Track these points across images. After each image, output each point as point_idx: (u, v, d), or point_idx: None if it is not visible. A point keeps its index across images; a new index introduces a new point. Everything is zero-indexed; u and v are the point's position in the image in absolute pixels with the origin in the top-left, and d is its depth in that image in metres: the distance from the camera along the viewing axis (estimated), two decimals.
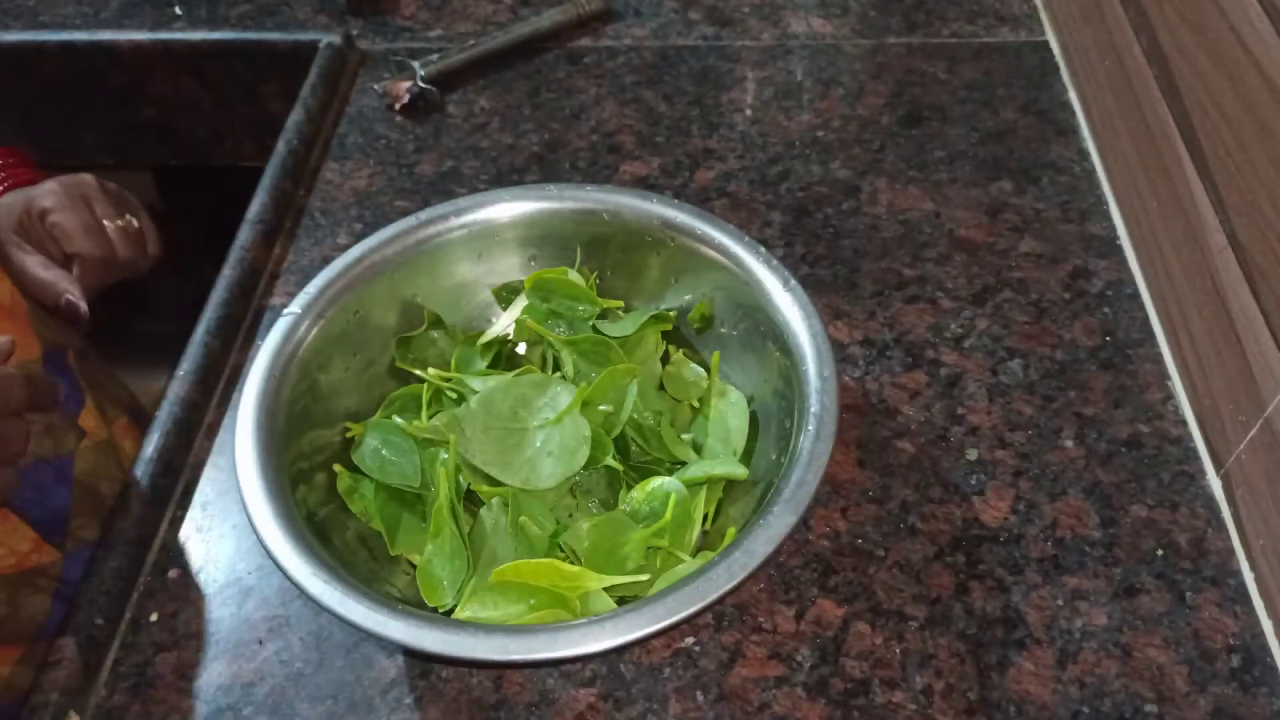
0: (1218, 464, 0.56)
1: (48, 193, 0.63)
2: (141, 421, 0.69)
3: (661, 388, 0.57)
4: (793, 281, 0.52)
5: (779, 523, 0.43)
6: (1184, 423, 0.59)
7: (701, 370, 0.56)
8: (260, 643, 0.51)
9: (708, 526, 0.51)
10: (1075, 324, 0.64)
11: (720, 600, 0.41)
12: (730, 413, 0.54)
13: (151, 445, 0.58)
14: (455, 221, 0.57)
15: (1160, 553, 0.53)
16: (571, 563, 0.47)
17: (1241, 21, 0.53)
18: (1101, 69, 0.74)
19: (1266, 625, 0.50)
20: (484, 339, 0.58)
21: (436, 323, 0.57)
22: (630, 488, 0.51)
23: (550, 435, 0.50)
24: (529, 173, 0.77)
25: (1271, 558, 0.50)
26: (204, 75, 0.91)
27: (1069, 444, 0.58)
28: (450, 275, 0.58)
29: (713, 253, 0.55)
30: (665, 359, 0.58)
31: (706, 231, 0.55)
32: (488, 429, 0.50)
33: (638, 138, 0.79)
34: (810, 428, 0.46)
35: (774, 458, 0.50)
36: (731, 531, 0.47)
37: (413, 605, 0.44)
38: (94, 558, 0.54)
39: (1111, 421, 0.59)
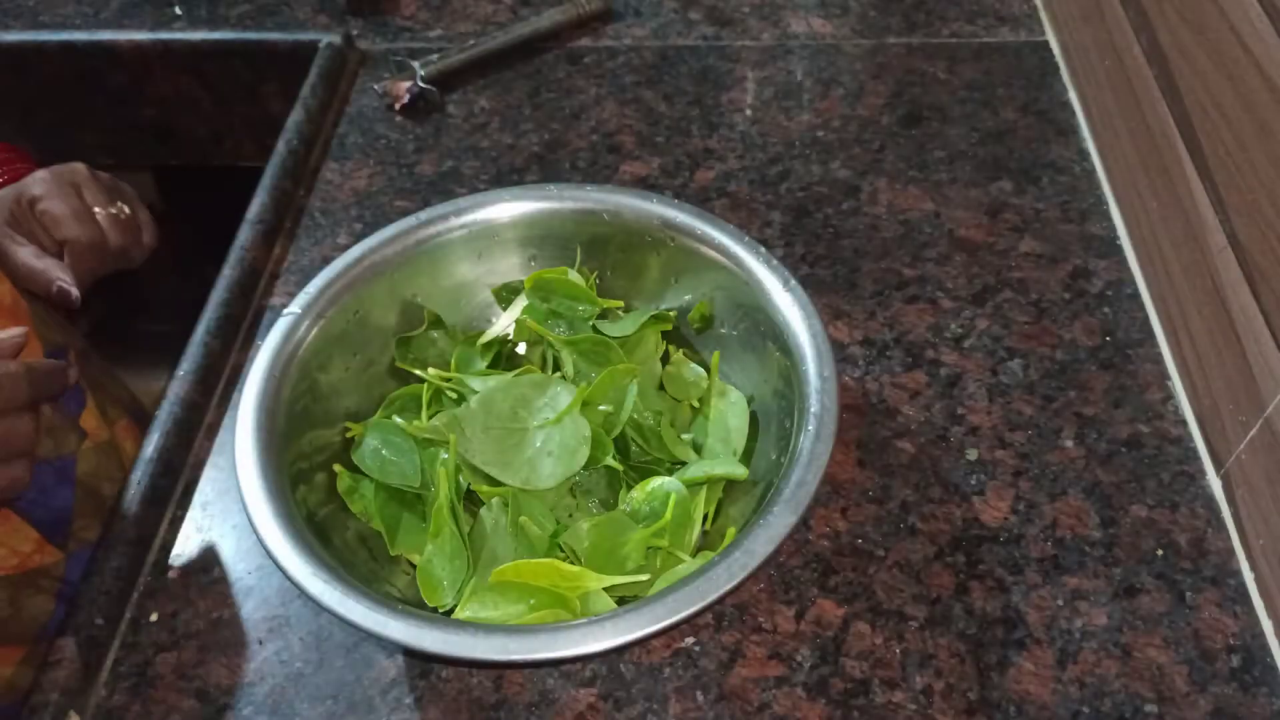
0: (1218, 464, 0.56)
1: (37, 181, 0.63)
2: (143, 422, 0.69)
3: (661, 388, 0.57)
4: (793, 281, 0.52)
5: (779, 523, 0.43)
6: (1184, 423, 0.59)
7: (701, 370, 0.56)
8: (260, 643, 0.51)
9: (708, 526, 0.51)
10: (1075, 324, 0.64)
11: (720, 600, 0.41)
12: (730, 413, 0.54)
13: (151, 445, 0.58)
14: (455, 221, 0.57)
15: (1160, 553, 0.53)
16: (571, 563, 0.47)
17: (1241, 21, 0.53)
18: (1101, 69, 0.74)
19: (1266, 625, 0.50)
20: (484, 339, 0.58)
21: (436, 323, 0.58)
22: (630, 488, 0.51)
23: (550, 435, 0.50)
24: (529, 173, 0.77)
25: (1271, 558, 0.50)
26: (204, 75, 0.91)
27: (1069, 444, 0.58)
28: (450, 275, 0.58)
29: (713, 253, 0.55)
30: (665, 359, 0.58)
31: (706, 231, 0.55)
32: (488, 429, 0.50)
33: (638, 138, 0.79)
34: (810, 428, 0.46)
35: (774, 458, 0.50)
36: (731, 531, 0.47)
37: (413, 605, 0.44)
38: (94, 558, 0.54)
39: (1111, 421, 0.59)
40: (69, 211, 0.62)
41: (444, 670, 0.50)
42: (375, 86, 0.84)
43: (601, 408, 0.52)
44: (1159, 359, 0.62)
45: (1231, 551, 0.53)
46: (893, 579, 0.53)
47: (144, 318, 1.06)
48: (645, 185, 0.75)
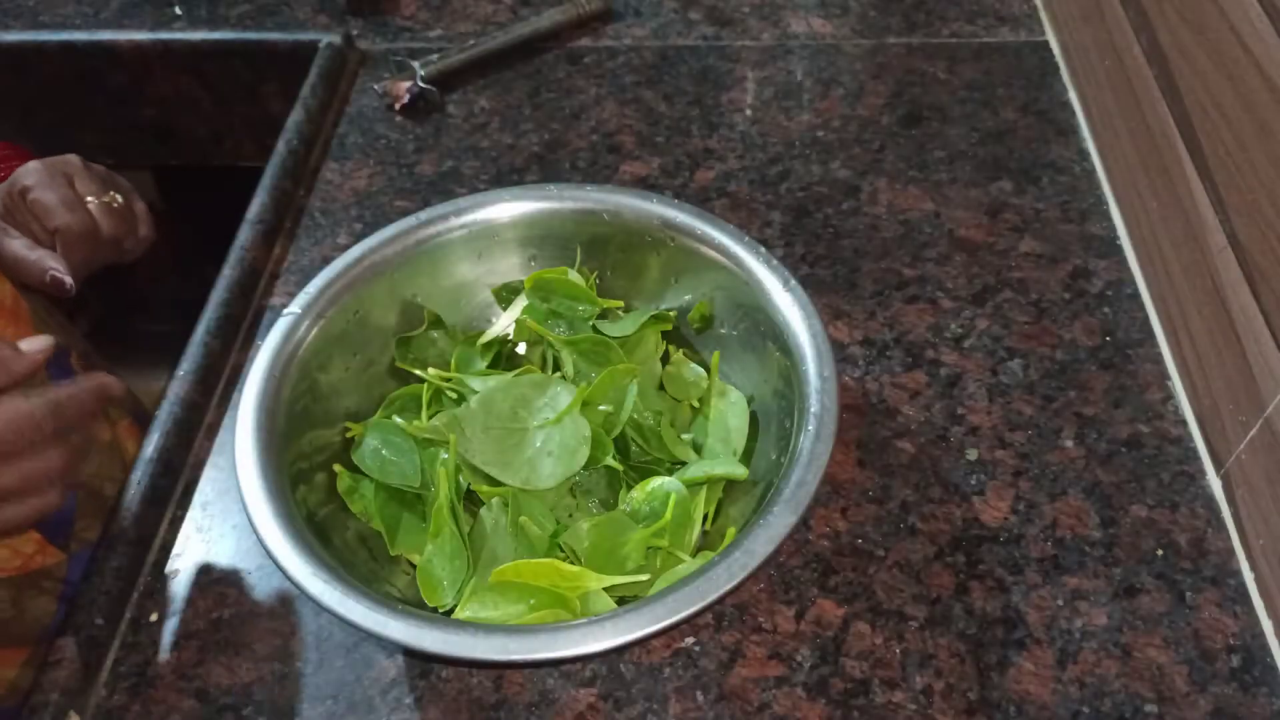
0: (1218, 464, 0.56)
1: (29, 172, 0.62)
2: (144, 423, 0.69)
3: (661, 388, 0.57)
4: (793, 281, 0.52)
5: (779, 523, 0.43)
6: (1184, 423, 0.59)
7: (701, 370, 0.56)
8: (260, 643, 0.51)
9: (708, 526, 0.51)
10: (1075, 324, 0.64)
11: (720, 600, 0.41)
12: (730, 413, 0.54)
13: (151, 445, 0.58)
14: (455, 221, 0.57)
15: (1160, 553, 0.53)
16: (571, 563, 0.47)
17: (1241, 21, 0.53)
18: (1101, 69, 0.74)
19: (1266, 625, 0.50)
20: (484, 339, 0.58)
21: (436, 323, 0.58)
22: (630, 488, 0.51)
23: (550, 435, 0.50)
24: (529, 173, 0.77)
25: (1271, 558, 0.50)
26: (204, 75, 0.91)
27: (1069, 444, 0.58)
28: (450, 275, 0.58)
29: (713, 253, 0.55)
30: (665, 359, 0.58)
31: (706, 231, 0.55)
32: (488, 429, 0.50)
33: (638, 138, 0.79)
34: (810, 428, 0.46)
35: (774, 458, 0.50)
36: (731, 531, 0.47)
37: (413, 605, 0.44)
38: (94, 558, 0.54)
39: (1111, 421, 0.59)
40: (60, 200, 0.61)
41: (444, 670, 0.50)
42: (375, 86, 0.84)
43: (601, 408, 0.52)
44: (1159, 359, 0.62)
45: (1231, 551, 0.53)
46: (893, 579, 0.53)
47: (144, 318, 1.06)
48: (645, 185, 0.75)
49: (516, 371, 0.54)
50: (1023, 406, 0.60)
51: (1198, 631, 0.50)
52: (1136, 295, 0.66)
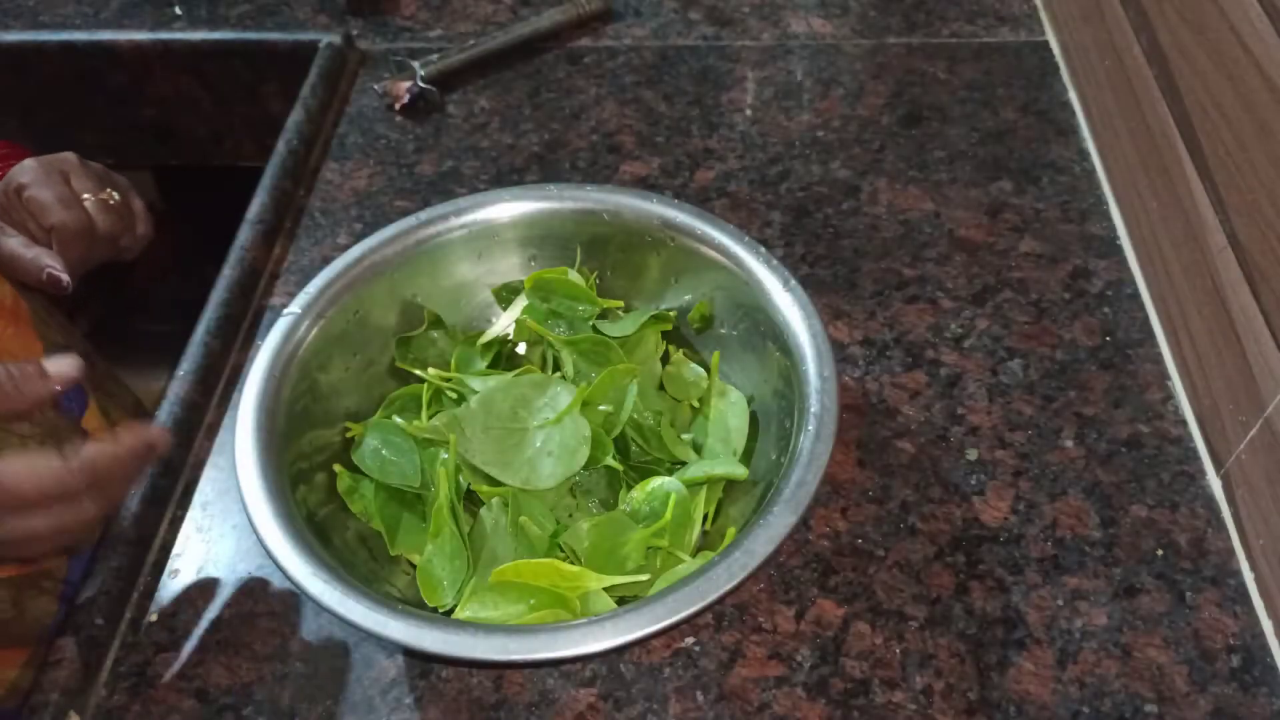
0: (1218, 464, 0.56)
1: (25, 169, 0.62)
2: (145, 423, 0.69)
3: (661, 388, 0.57)
4: (793, 281, 0.52)
5: (779, 523, 0.43)
6: (1184, 423, 0.59)
7: (701, 370, 0.56)
8: (260, 643, 0.51)
9: (708, 526, 0.51)
10: (1075, 324, 0.64)
11: (720, 600, 0.41)
12: (730, 413, 0.54)
13: None
14: (455, 221, 0.57)
15: (1160, 553, 0.53)
16: (571, 563, 0.47)
17: (1241, 21, 0.53)
18: (1101, 69, 0.74)
19: (1266, 625, 0.50)
20: (484, 339, 0.58)
21: (436, 323, 0.58)
22: (630, 488, 0.51)
23: (550, 435, 0.50)
24: (529, 173, 0.77)
25: (1271, 558, 0.50)
26: (204, 75, 0.91)
27: (1069, 444, 0.58)
28: (450, 275, 0.58)
29: (713, 253, 0.55)
30: (665, 359, 0.58)
31: (706, 231, 0.55)
32: (488, 429, 0.50)
33: (638, 138, 0.79)
34: (810, 428, 0.46)
35: (774, 458, 0.50)
36: (731, 531, 0.47)
37: (413, 605, 0.44)
38: (94, 558, 0.54)
39: (1111, 421, 0.59)
40: (55, 198, 0.61)
41: (444, 670, 0.50)
42: (375, 86, 0.84)
43: (601, 408, 0.52)
44: (1159, 359, 0.62)
45: (1231, 551, 0.53)
46: (893, 579, 0.53)
47: (144, 318, 1.06)
48: (645, 185, 0.75)
49: (516, 371, 0.54)
50: (1023, 406, 0.60)
51: (1198, 631, 0.50)
52: (1136, 295, 0.66)
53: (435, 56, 0.84)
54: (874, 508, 0.56)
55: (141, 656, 0.51)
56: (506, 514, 0.49)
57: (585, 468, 0.50)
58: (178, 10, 0.93)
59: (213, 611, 0.53)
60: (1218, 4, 0.56)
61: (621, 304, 0.58)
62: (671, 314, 0.58)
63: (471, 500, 0.51)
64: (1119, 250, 0.69)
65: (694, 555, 0.49)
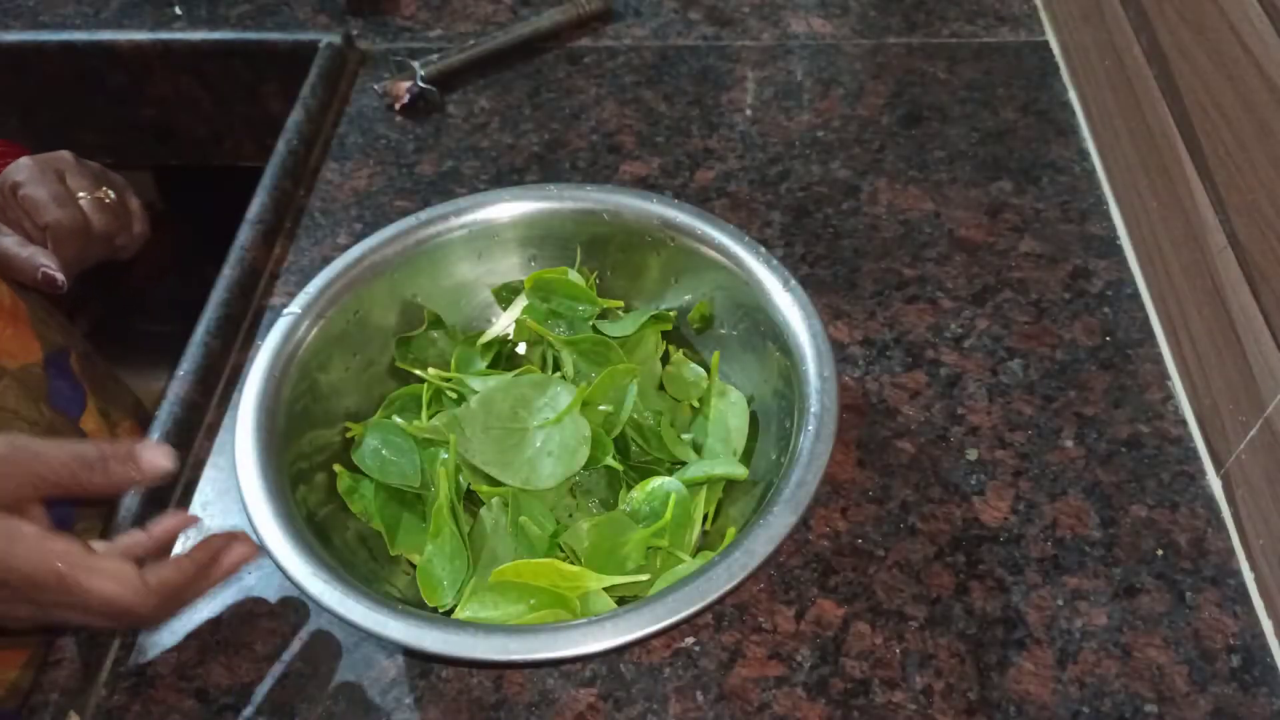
0: (1218, 464, 0.56)
1: (20, 168, 0.62)
2: (144, 423, 0.69)
3: (661, 388, 0.57)
4: (793, 281, 0.52)
5: (779, 523, 0.43)
6: (1184, 423, 0.59)
7: (701, 370, 0.56)
8: (260, 643, 0.51)
9: (708, 526, 0.51)
10: (1075, 324, 0.64)
11: (720, 600, 0.41)
12: (730, 413, 0.54)
13: None
14: (455, 221, 0.57)
15: (1160, 553, 0.53)
16: (571, 563, 0.47)
17: (1241, 21, 0.53)
18: (1101, 69, 0.74)
19: (1266, 625, 0.50)
20: (484, 339, 0.58)
21: (436, 323, 0.58)
22: (630, 488, 0.51)
23: (550, 435, 0.50)
24: (529, 173, 0.77)
25: (1271, 558, 0.50)
26: (204, 75, 0.91)
27: (1069, 444, 0.58)
28: (450, 275, 0.58)
29: (713, 253, 0.55)
30: (665, 359, 0.58)
31: (706, 231, 0.55)
32: (488, 429, 0.50)
33: (638, 138, 0.79)
34: (810, 428, 0.46)
35: (774, 458, 0.50)
36: (731, 531, 0.47)
37: (413, 605, 0.44)
38: None
39: (1111, 421, 0.59)
40: (50, 196, 0.61)
41: (444, 670, 0.50)
42: (375, 86, 0.84)
43: (601, 408, 0.52)
44: (1159, 359, 0.62)
45: (1231, 551, 0.53)
46: (893, 579, 0.53)
47: (144, 318, 1.06)
48: (645, 185, 0.75)
49: (516, 371, 0.54)
50: (1023, 406, 0.60)
51: (1198, 631, 0.50)
52: (1136, 295, 0.66)
53: (435, 56, 0.84)
54: (874, 508, 0.56)
55: (141, 656, 0.51)
56: (506, 514, 0.49)
57: (585, 468, 0.50)
58: (178, 10, 0.93)
59: (213, 611, 0.53)
60: (1218, 4, 0.56)
61: (621, 304, 0.58)
62: (671, 314, 0.58)
63: (471, 500, 0.51)
64: (1119, 250, 0.69)
65: (694, 555, 0.49)
